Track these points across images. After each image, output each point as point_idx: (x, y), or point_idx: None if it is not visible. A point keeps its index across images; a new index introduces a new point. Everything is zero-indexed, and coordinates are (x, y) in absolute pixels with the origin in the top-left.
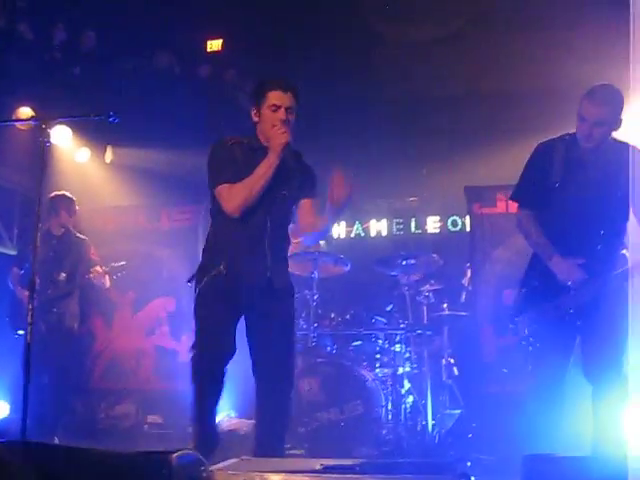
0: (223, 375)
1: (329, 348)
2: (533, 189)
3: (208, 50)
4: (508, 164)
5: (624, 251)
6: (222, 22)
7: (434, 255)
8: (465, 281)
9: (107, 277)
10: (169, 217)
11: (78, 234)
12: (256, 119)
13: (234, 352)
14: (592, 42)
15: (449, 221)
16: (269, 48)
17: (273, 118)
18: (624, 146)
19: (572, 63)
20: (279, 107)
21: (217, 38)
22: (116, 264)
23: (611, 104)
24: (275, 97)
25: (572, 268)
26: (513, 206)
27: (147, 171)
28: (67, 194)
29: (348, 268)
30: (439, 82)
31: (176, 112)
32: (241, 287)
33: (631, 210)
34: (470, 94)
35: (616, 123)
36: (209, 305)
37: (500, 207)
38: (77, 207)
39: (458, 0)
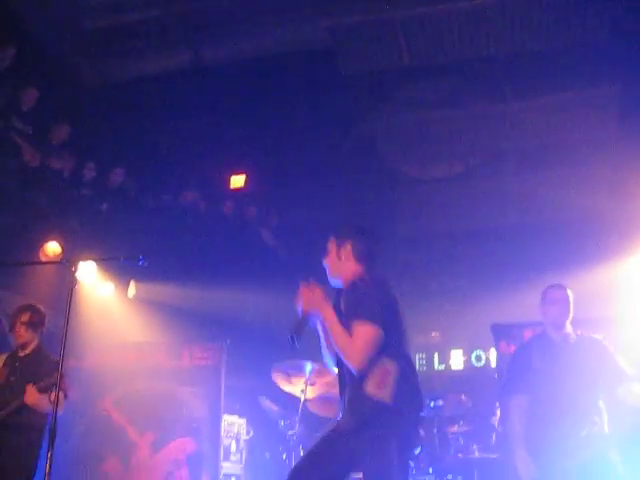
0: None
1: None
2: (520, 377)
3: (231, 187)
4: (535, 300)
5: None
6: (245, 158)
7: (462, 396)
8: (494, 421)
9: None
10: (191, 355)
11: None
12: None
13: None
14: (601, 176)
15: (473, 356)
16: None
17: None
18: (590, 339)
19: (585, 198)
20: None
21: (240, 174)
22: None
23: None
24: None
25: (527, 468)
26: None
27: (170, 307)
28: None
29: None
30: (457, 218)
31: (200, 248)
32: None
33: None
34: (491, 230)
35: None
36: None
37: None
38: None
39: (469, 142)
